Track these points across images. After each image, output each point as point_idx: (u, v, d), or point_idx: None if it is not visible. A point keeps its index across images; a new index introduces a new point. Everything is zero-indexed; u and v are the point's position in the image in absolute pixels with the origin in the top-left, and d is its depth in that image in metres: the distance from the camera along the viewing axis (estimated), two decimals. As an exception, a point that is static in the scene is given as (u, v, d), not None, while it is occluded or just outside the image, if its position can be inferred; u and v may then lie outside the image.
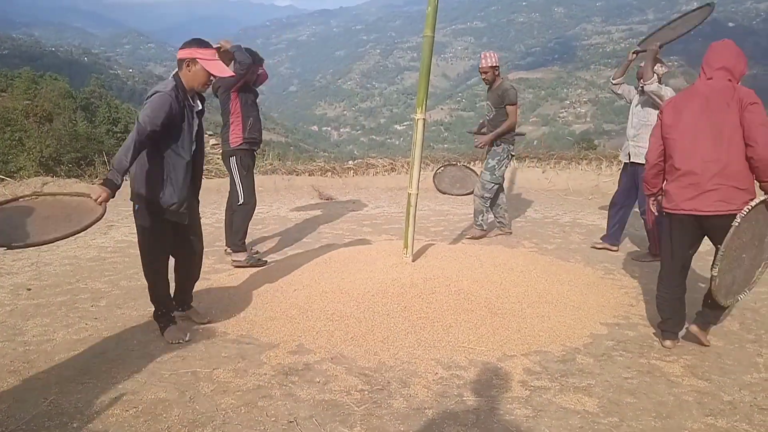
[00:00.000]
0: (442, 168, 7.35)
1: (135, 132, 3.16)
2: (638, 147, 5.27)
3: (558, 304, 4.12)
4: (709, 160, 3.24)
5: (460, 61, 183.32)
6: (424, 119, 4.47)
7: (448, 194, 8.60)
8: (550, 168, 9.76)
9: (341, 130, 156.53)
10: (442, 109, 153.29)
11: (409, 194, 4.65)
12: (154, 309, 3.66)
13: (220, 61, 3.47)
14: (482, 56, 6.03)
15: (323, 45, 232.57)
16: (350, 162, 11.46)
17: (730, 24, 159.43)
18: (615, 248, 5.77)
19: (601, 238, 5.90)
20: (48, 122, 23.37)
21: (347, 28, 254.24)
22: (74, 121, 26.07)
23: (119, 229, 6.50)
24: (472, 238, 6.28)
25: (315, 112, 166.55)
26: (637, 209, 5.72)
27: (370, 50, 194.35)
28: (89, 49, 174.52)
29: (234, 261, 5.08)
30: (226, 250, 5.38)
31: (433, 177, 7.18)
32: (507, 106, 5.96)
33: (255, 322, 3.83)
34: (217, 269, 5.02)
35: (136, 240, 3.61)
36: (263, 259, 5.20)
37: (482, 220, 6.32)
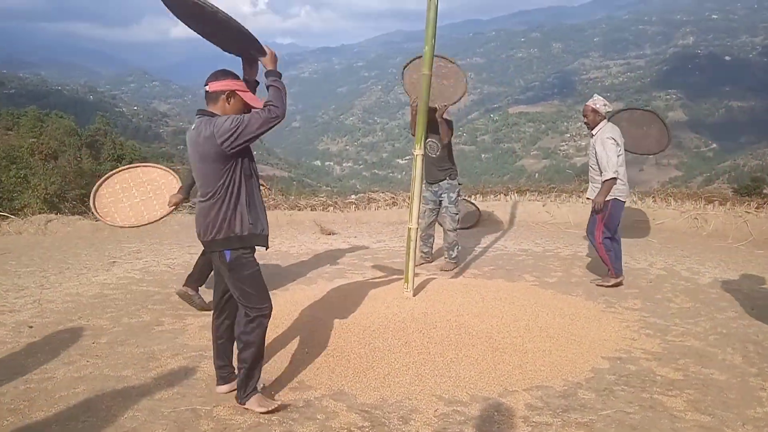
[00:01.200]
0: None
1: (263, 110, 2.98)
2: (594, 186, 5.60)
3: (559, 338, 4.11)
4: None
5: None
6: (422, 155, 4.54)
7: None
8: (551, 201, 9.79)
9: (344, 164, 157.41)
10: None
11: (409, 229, 4.69)
12: (249, 380, 3.14)
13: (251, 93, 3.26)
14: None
15: (325, 81, 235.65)
16: (352, 196, 11.53)
17: (727, 58, 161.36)
18: (621, 279, 5.74)
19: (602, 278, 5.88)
20: (53, 159, 23.54)
21: (349, 65, 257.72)
22: (79, 158, 26.19)
23: (122, 266, 6.52)
24: (446, 270, 6.34)
25: (318, 147, 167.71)
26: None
27: (371, 86, 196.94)
28: (95, 87, 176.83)
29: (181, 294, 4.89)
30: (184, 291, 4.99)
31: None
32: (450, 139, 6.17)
33: (256, 358, 3.82)
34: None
35: (237, 294, 3.18)
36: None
37: (458, 252, 6.43)
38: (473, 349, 3.84)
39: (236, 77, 3.15)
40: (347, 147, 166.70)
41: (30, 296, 5.32)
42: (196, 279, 4.90)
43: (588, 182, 5.87)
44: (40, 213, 9.98)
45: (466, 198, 9.76)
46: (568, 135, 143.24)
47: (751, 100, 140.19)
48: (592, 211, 5.64)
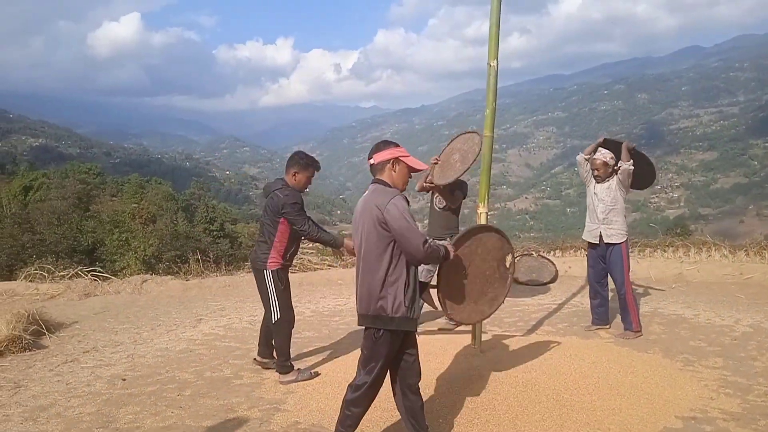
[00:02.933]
0: (518, 258, 7.38)
1: (422, 245, 3.06)
2: (610, 228, 5.78)
3: (630, 397, 4.03)
4: None
5: (543, 150, 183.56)
6: (486, 213, 4.66)
7: (525, 284, 8.60)
8: (630, 255, 9.52)
9: (425, 221, 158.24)
10: (526, 198, 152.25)
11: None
12: None
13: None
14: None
15: (406, 141, 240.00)
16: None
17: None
18: (607, 326, 6.10)
19: (591, 322, 6.19)
20: (152, 223, 25.26)
21: (429, 125, 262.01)
22: (175, 222, 27.97)
23: (207, 323, 6.91)
24: (446, 330, 6.14)
25: (434, 200, 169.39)
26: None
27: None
28: (191, 154, 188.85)
29: (283, 382, 4.65)
30: (255, 359, 5.11)
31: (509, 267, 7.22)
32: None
33: (325, 411, 3.98)
34: (294, 360, 5.24)
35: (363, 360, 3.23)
36: (313, 371, 4.83)
37: None
38: (539, 406, 3.83)
39: (396, 145, 3.37)
40: (428, 204, 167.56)
41: (124, 351, 5.75)
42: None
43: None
44: (137, 274, 10.72)
45: (543, 254, 9.68)
46: (659, 187, 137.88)
47: None
48: (609, 254, 5.86)
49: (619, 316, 6.08)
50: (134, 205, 27.66)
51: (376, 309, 3.11)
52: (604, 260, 5.91)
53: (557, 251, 10.45)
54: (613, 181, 5.79)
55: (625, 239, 5.82)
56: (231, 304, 7.98)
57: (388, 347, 3.16)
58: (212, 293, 8.74)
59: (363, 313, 3.19)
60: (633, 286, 8.08)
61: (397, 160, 3.28)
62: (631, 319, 5.82)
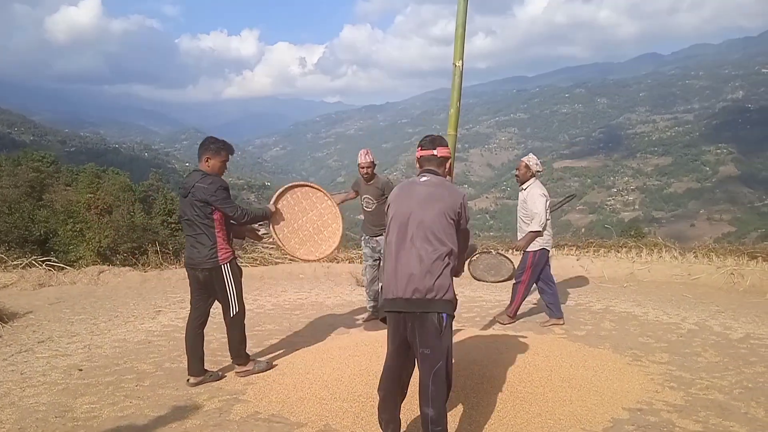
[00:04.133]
0: (477, 255, 7.51)
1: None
2: (521, 234, 6.32)
3: (581, 389, 4.19)
4: None
5: (504, 151, 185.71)
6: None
7: (483, 281, 8.75)
8: (584, 255, 9.83)
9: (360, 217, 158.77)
10: (486, 197, 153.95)
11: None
12: None
13: None
14: (363, 153, 6.26)
15: (370, 138, 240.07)
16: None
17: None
18: (562, 321, 6.35)
19: (549, 316, 6.52)
20: (108, 214, 24.73)
21: (393, 122, 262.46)
22: (132, 213, 27.44)
23: (166, 314, 6.86)
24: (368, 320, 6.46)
25: (362, 202, 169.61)
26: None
27: (415, 142, 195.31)
28: (150, 145, 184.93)
29: (239, 373, 4.65)
30: (188, 381, 4.52)
31: (468, 264, 7.35)
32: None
33: (285, 402, 4.03)
34: (254, 353, 5.26)
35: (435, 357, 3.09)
36: (269, 362, 4.83)
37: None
38: (494, 398, 3.95)
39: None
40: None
41: (81, 342, 5.68)
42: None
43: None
44: (93, 265, 10.53)
45: (501, 252, 9.86)
46: (615, 189, 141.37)
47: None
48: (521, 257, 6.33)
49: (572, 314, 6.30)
50: (89, 195, 27.04)
51: (443, 293, 3.08)
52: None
53: (514, 250, 10.64)
54: (525, 192, 6.16)
55: (534, 249, 6.15)
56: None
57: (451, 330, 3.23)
58: (171, 285, 8.67)
59: (427, 297, 3.07)
60: (588, 285, 8.34)
61: (449, 159, 3.49)
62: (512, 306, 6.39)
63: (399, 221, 3.22)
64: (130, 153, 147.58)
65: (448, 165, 3.47)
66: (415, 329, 3.11)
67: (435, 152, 3.39)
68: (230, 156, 4.58)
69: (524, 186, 6.19)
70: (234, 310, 4.55)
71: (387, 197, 6.08)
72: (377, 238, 6.27)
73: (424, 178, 3.31)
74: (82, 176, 36.90)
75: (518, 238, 6.31)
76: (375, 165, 6.29)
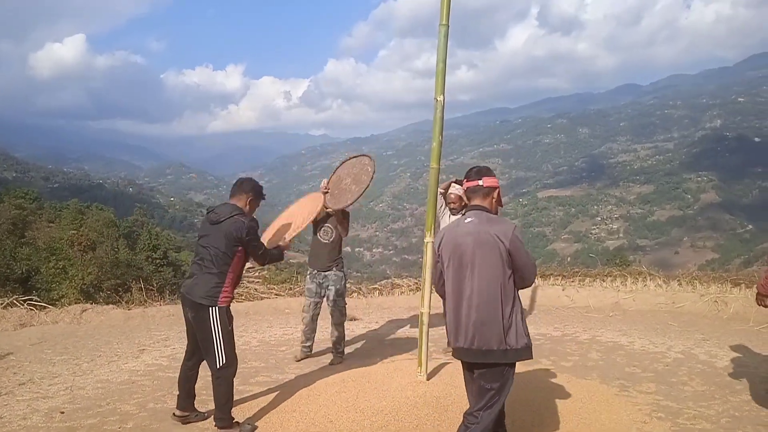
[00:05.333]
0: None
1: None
2: None
3: (569, 422, 4.18)
4: None
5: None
6: (431, 242, 4.79)
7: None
8: (570, 285, 9.87)
9: (374, 250, 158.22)
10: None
11: (422, 313, 4.89)
12: None
13: None
14: (326, 180, 6.08)
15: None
16: (378, 284, 11.73)
17: (756, 139, 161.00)
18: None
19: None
20: (91, 250, 24.47)
21: (378, 154, 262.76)
22: (116, 249, 27.21)
23: (150, 353, 6.76)
24: (335, 365, 6.06)
25: (348, 235, 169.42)
26: None
27: (400, 173, 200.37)
28: (134, 180, 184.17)
29: None
30: (174, 414, 4.48)
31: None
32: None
33: (271, 441, 3.98)
34: (240, 390, 5.19)
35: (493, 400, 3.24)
36: (253, 425, 4.33)
37: (344, 346, 6.26)
38: None
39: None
40: (377, 233, 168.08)
41: (63, 383, 5.57)
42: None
43: None
44: (76, 303, 10.38)
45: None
46: (599, 218, 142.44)
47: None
48: None
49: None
50: (73, 231, 26.79)
51: (504, 343, 3.10)
52: None
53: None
54: None
55: None
56: (175, 333, 7.82)
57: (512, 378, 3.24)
58: (155, 323, 8.56)
59: (485, 348, 3.12)
60: (574, 315, 8.37)
61: (497, 189, 3.42)
62: None
63: (454, 266, 3.24)
64: (115, 188, 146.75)
65: (496, 194, 3.42)
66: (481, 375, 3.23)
67: (481, 182, 3.37)
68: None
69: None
70: (220, 362, 4.16)
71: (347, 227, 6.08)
72: (327, 273, 6.00)
73: (468, 220, 3.29)
74: (66, 212, 36.65)
75: None
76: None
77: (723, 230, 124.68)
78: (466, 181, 3.42)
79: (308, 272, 6.20)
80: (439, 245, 3.36)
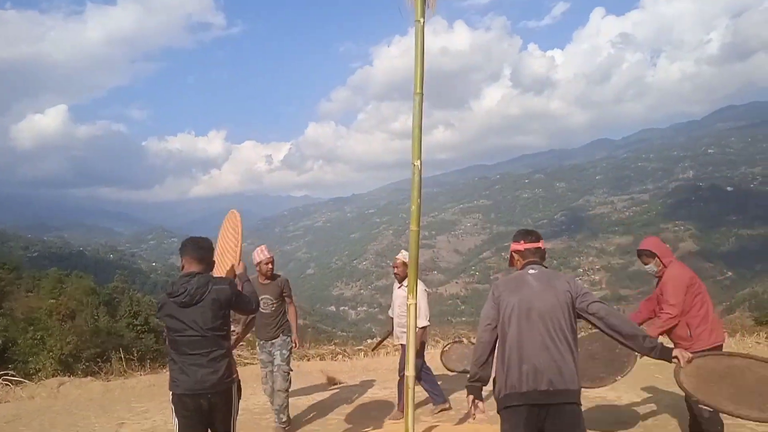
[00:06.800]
0: (450, 345, 7.51)
1: None
2: (401, 330, 6.29)
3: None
4: None
5: (471, 236, 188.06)
6: (415, 304, 4.82)
7: (457, 372, 8.69)
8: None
9: (358, 308, 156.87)
10: (456, 283, 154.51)
11: (407, 377, 4.85)
12: None
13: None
14: (260, 250, 6.00)
15: (338, 229, 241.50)
16: (364, 343, 11.65)
17: (729, 188, 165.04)
18: (447, 405, 6.67)
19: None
20: (71, 319, 23.95)
21: (360, 213, 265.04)
22: (96, 317, 26.65)
23: (130, 426, 6.59)
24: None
25: (332, 293, 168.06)
26: None
27: (383, 231, 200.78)
28: (115, 246, 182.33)
29: None
30: None
31: (441, 355, 7.32)
32: (289, 297, 6.14)
33: None
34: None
35: None
36: None
37: (288, 415, 6.13)
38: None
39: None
40: (361, 291, 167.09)
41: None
42: None
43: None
44: (53, 375, 10.14)
45: (472, 341, 9.84)
46: (581, 270, 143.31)
47: (760, 228, 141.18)
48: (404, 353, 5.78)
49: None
50: (52, 300, 26.26)
51: (576, 383, 3.19)
52: None
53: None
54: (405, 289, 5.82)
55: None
56: (155, 405, 7.65)
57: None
58: (135, 394, 8.37)
59: (563, 388, 3.14)
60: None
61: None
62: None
63: (517, 314, 3.26)
64: (95, 255, 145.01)
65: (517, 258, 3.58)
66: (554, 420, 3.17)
67: (539, 244, 3.53)
68: None
69: (404, 283, 6.07)
70: None
71: (286, 297, 6.04)
72: (274, 341, 5.95)
73: (535, 271, 3.40)
74: (45, 281, 35.96)
75: (397, 334, 6.54)
76: (274, 261, 6.01)
77: (703, 278, 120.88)
78: (524, 242, 3.53)
79: (257, 343, 6.21)
80: (505, 293, 3.38)
